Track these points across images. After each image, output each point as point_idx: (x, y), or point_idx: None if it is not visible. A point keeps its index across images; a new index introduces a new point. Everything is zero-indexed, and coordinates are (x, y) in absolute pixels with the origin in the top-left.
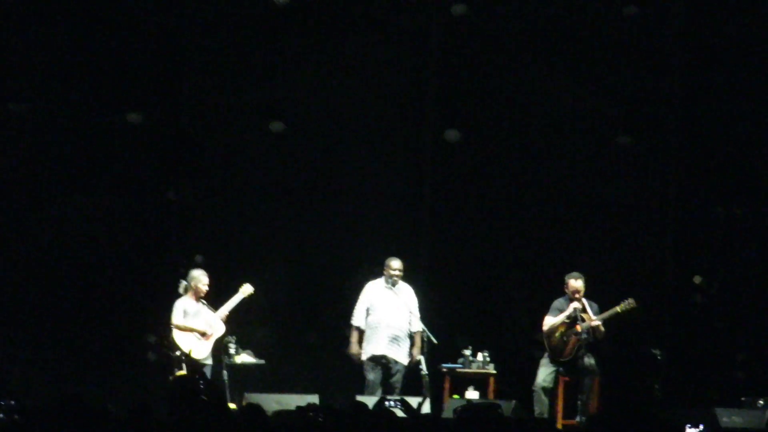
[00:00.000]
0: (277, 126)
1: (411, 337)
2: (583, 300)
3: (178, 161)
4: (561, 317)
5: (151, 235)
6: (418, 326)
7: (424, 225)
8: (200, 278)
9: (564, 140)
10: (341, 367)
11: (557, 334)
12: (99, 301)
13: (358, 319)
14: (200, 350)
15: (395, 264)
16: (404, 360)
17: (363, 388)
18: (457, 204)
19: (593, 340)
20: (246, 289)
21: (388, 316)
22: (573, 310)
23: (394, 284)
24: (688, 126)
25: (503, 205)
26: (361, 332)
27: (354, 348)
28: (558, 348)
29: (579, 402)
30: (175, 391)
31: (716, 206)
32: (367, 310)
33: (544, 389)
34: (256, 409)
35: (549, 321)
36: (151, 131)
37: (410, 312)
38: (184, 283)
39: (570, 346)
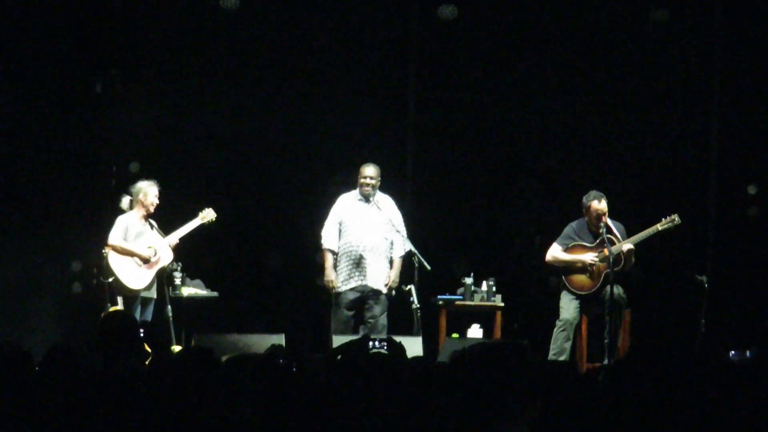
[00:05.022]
0: (230, 1)
1: (392, 261)
2: (608, 220)
3: (107, 45)
4: (574, 258)
5: (74, 138)
6: (404, 247)
7: (408, 121)
8: (148, 190)
9: (585, 16)
10: (310, 301)
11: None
12: (10, 220)
13: (328, 240)
14: (139, 279)
15: (367, 171)
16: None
17: (332, 325)
18: (450, 95)
19: (621, 270)
20: (208, 215)
21: (363, 236)
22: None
23: (367, 197)
24: None
25: (508, 96)
26: (335, 255)
27: (329, 274)
28: (579, 277)
29: (606, 341)
30: (107, 331)
31: None
32: (339, 229)
33: (572, 325)
34: (205, 354)
35: (555, 252)
36: (72, 8)
37: (392, 227)
38: (127, 198)
39: (596, 275)
